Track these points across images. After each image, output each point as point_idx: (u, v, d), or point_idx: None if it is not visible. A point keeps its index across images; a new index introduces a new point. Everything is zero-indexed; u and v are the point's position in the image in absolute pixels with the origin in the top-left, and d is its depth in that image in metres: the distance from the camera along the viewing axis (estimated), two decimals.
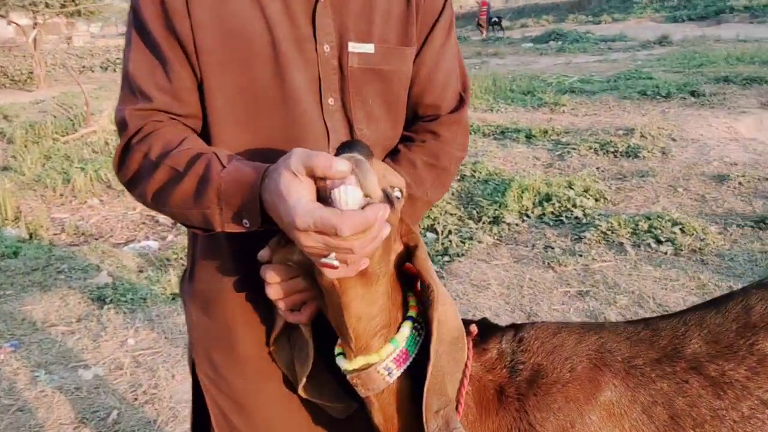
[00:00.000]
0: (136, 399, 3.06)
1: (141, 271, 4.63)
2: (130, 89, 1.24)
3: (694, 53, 12.50)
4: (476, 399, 1.19)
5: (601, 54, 14.04)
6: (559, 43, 17.10)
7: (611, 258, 4.14)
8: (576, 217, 4.82)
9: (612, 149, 6.42)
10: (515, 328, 1.32)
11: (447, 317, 1.16)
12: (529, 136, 7.14)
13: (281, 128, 1.26)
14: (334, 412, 1.32)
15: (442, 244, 4.51)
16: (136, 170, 1.19)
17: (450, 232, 4.69)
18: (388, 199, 1.05)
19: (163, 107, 1.23)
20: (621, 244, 4.32)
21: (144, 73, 1.23)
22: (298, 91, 1.25)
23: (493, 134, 7.46)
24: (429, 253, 1.27)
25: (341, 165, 0.93)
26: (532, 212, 4.97)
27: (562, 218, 4.84)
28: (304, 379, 1.25)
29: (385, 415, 1.17)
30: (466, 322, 1.26)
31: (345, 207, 0.92)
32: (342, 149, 1.04)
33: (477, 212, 5.05)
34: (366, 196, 0.95)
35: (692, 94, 8.62)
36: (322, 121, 1.28)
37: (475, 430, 1.19)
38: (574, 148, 6.53)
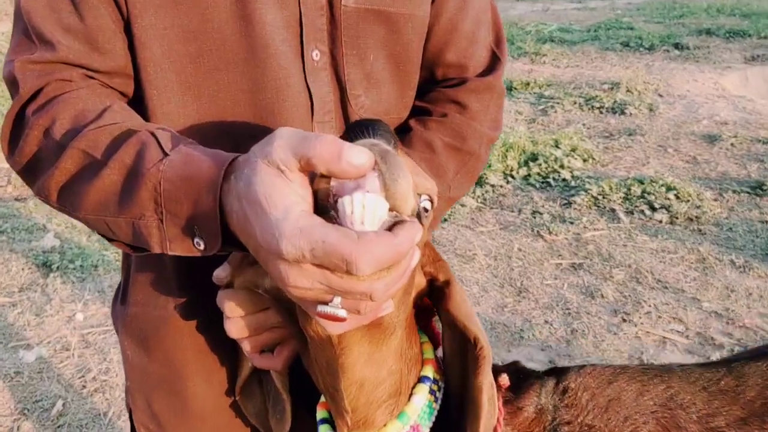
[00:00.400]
0: (84, 386, 2.71)
1: (92, 234, 4.22)
2: (24, 32, 0.84)
3: (674, 3, 12.16)
4: None
5: (579, 2, 13.58)
6: None
7: (604, 226, 3.88)
8: (564, 179, 4.53)
9: (597, 104, 6.11)
10: (557, 373, 1.01)
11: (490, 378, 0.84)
12: (510, 89, 6.79)
13: (246, 92, 0.88)
14: None
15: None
16: (34, 154, 0.81)
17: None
18: (418, 214, 0.71)
19: (72, 59, 0.83)
20: (613, 210, 4.05)
21: (43, 7, 0.82)
22: (270, 39, 0.87)
23: None
24: None
25: (359, 156, 0.58)
26: (518, 173, 4.67)
27: (549, 180, 4.55)
28: None
29: None
30: (495, 369, 0.94)
31: (361, 226, 0.58)
32: (355, 132, 0.68)
33: None
34: (392, 210, 0.60)
35: (676, 46, 8.33)
36: (303, 84, 0.90)
37: None
38: (557, 103, 6.21)
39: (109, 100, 0.84)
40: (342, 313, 0.61)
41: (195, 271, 0.87)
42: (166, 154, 0.72)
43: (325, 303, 0.61)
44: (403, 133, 1.01)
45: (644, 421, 0.94)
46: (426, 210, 0.75)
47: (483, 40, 1.05)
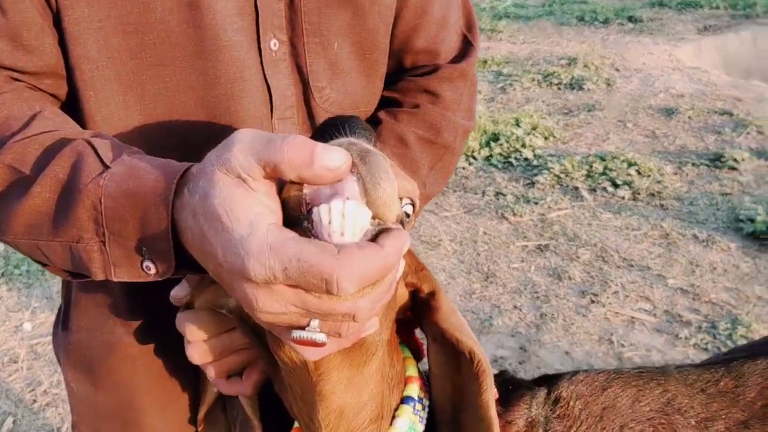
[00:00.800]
0: (35, 401, 2.57)
1: None
2: None
3: None
4: None
5: None
6: None
7: (568, 205, 3.85)
8: (526, 159, 4.48)
9: (556, 81, 6.09)
10: (548, 382, 0.94)
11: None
12: None
13: (196, 89, 0.78)
14: None
15: None
16: None
17: None
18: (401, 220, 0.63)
19: None
20: (576, 188, 4.03)
21: None
22: (222, 28, 0.77)
23: None
24: None
25: (335, 158, 0.50)
26: (479, 153, 4.61)
27: (511, 160, 4.49)
28: None
29: None
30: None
31: (340, 238, 0.50)
32: (328, 131, 0.61)
33: None
34: (374, 217, 0.52)
35: (630, 19, 8.36)
36: (260, 77, 0.82)
37: None
38: (516, 80, 6.16)
39: (39, 105, 0.74)
40: (321, 337, 0.53)
41: (147, 291, 0.77)
42: (106, 167, 0.63)
43: (301, 327, 0.53)
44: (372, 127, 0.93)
45: (641, 429, 0.88)
46: (408, 215, 0.67)
47: (454, 24, 0.97)
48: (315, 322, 0.51)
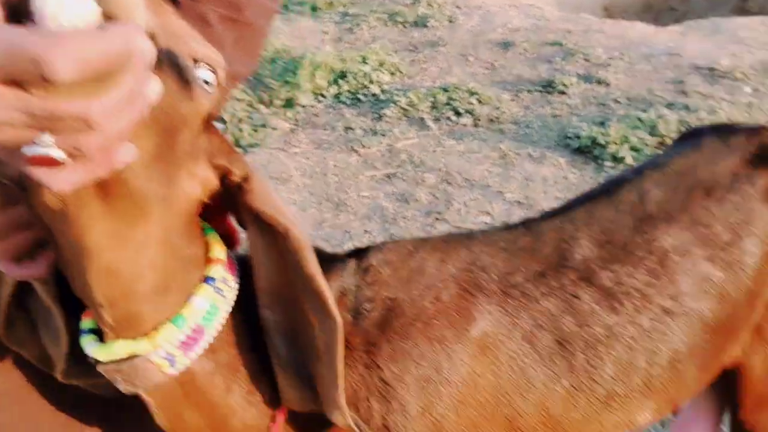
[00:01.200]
0: None
1: None
2: None
3: None
4: None
5: None
6: None
7: (414, 135, 3.96)
8: (374, 94, 4.54)
9: (401, 19, 6.17)
10: (357, 255, 0.98)
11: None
12: (314, 9, 6.63)
13: None
14: (107, 392, 0.88)
15: (232, 134, 4.00)
16: None
17: (240, 120, 4.18)
18: (180, 70, 0.62)
19: None
20: (422, 119, 4.15)
21: None
22: None
23: None
24: None
25: None
26: (328, 91, 4.60)
27: (359, 96, 4.53)
28: (62, 363, 0.81)
29: (169, 417, 0.78)
30: None
31: (56, 24, 0.46)
32: None
33: (268, 95, 4.56)
34: (108, 17, 0.48)
35: None
36: None
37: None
38: (363, 20, 6.17)
39: None
40: (57, 153, 0.48)
41: None
42: None
43: (33, 143, 0.48)
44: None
45: (446, 287, 0.94)
46: (208, 83, 0.66)
47: None
48: (47, 137, 0.49)
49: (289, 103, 4.46)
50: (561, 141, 3.82)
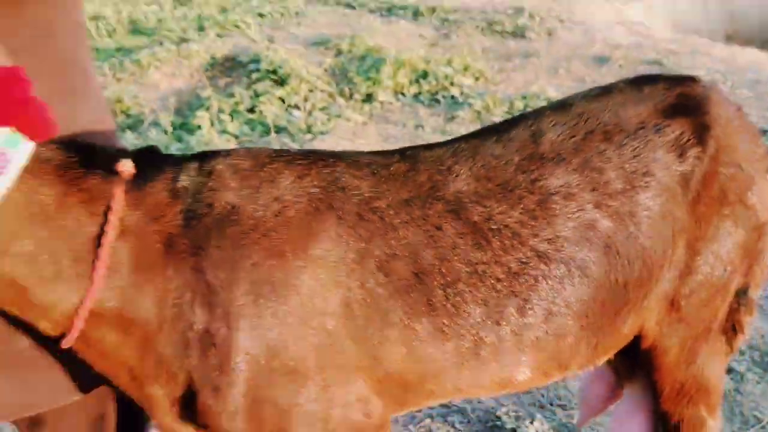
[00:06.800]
0: None
1: None
2: None
3: None
4: (132, 257, 0.87)
5: None
6: None
7: None
8: (452, 96, 4.54)
9: (499, 29, 6.12)
10: (202, 158, 0.96)
11: None
12: (416, 14, 6.72)
13: None
14: None
15: (306, 121, 4.14)
16: None
17: (315, 108, 4.31)
18: None
19: None
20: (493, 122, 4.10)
21: None
22: None
23: (380, 10, 6.97)
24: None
25: None
26: (408, 90, 4.65)
27: (438, 97, 4.55)
28: None
29: None
30: (116, 154, 0.91)
31: None
32: None
33: (350, 89, 4.67)
34: None
35: None
36: None
37: (130, 298, 0.88)
38: (460, 27, 6.18)
39: None
40: None
41: None
42: None
43: None
44: None
45: (296, 201, 0.93)
46: None
47: None
48: None
49: (368, 98, 4.55)
50: None
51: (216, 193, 0.91)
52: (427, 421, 1.99)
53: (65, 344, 0.88)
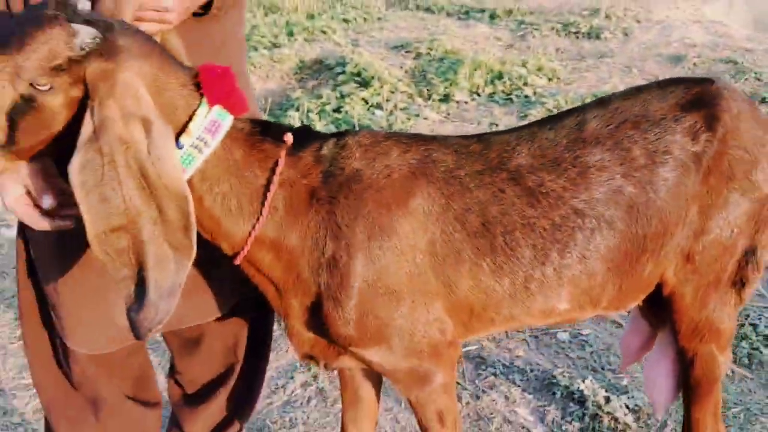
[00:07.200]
0: None
1: None
2: None
3: None
4: (287, 202, 1.22)
5: None
6: None
7: None
8: (526, 96, 4.79)
9: (574, 30, 6.28)
10: (338, 135, 1.31)
11: None
12: (493, 17, 6.96)
13: None
14: None
15: (387, 120, 4.48)
16: None
17: (396, 107, 4.66)
18: None
19: None
20: None
21: None
22: None
23: (457, 14, 7.25)
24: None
25: None
26: (483, 90, 4.93)
27: (512, 97, 4.80)
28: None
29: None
30: (283, 128, 1.26)
31: None
32: None
33: (428, 90, 4.99)
34: None
35: None
36: None
37: (283, 231, 1.22)
38: (536, 29, 6.38)
39: None
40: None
41: None
42: None
43: None
44: None
45: (399, 168, 1.26)
46: None
47: None
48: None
49: (445, 98, 4.85)
50: None
51: (346, 160, 1.24)
52: (491, 378, 2.29)
53: (237, 261, 1.24)
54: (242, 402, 1.76)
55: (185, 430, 1.76)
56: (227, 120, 1.16)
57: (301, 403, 2.22)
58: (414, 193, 1.24)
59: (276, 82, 5.49)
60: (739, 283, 1.38)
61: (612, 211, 1.27)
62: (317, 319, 1.27)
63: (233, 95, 1.15)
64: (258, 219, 1.20)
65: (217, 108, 1.14)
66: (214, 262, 1.34)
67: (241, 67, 1.47)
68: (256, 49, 5.77)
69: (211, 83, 1.12)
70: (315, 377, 2.31)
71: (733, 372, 2.26)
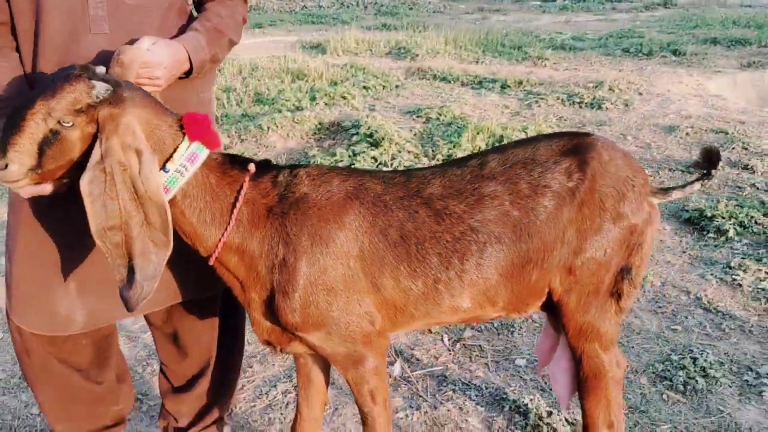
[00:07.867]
0: None
1: None
2: None
3: (693, 15, 12.55)
4: (249, 216, 1.60)
5: (603, 14, 14.09)
6: (565, 1, 17.09)
7: None
8: None
9: (578, 100, 6.70)
10: (292, 167, 1.69)
11: None
12: (504, 86, 7.43)
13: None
14: None
15: None
16: None
17: (402, 165, 5.07)
18: None
19: None
20: None
21: None
22: None
23: (471, 84, 7.75)
24: None
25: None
26: None
27: None
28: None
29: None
30: (248, 160, 1.64)
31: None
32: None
33: (433, 150, 5.42)
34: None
35: (674, 53, 8.80)
36: None
37: (246, 239, 1.60)
38: (542, 98, 6.82)
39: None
40: None
41: None
42: None
43: None
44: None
45: (338, 193, 1.63)
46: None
47: None
48: None
49: (448, 158, 5.26)
50: (675, 213, 4.12)
51: (297, 185, 1.60)
52: (450, 393, 2.58)
53: (211, 262, 1.61)
54: (219, 392, 2.12)
55: (172, 413, 2.12)
56: (203, 152, 1.55)
57: (281, 407, 2.54)
58: (348, 211, 1.61)
59: (296, 141, 5.98)
60: (617, 294, 1.70)
61: (500, 229, 1.62)
62: (272, 309, 1.63)
63: (209, 134, 1.54)
64: (227, 228, 1.58)
65: (196, 143, 1.54)
66: (183, 263, 1.73)
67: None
68: (279, 111, 6.29)
69: (191, 125, 1.52)
70: (295, 387, 2.64)
71: (668, 396, 2.52)
